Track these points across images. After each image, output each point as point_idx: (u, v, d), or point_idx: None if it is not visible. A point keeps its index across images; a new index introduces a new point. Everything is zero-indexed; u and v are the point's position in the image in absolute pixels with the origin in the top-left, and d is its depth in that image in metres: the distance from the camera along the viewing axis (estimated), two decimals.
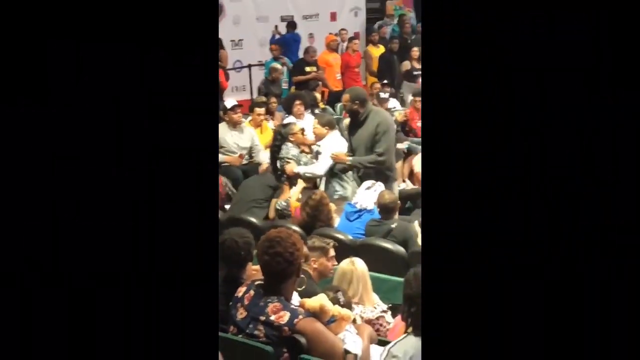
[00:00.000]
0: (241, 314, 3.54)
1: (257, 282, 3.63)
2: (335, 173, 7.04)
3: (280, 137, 7.29)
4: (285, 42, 13.07)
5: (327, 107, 10.71)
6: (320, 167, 7.09)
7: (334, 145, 7.09)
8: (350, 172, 7.05)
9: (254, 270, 4.09)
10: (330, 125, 7.28)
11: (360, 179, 6.88)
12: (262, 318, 3.45)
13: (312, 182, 7.06)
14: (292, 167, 7.07)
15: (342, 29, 13.55)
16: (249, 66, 13.26)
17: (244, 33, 14.19)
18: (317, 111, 9.40)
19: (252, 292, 3.56)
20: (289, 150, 7.24)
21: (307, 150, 7.35)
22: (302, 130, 7.49)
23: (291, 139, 7.24)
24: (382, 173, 6.84)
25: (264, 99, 8.95)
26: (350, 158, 6.96)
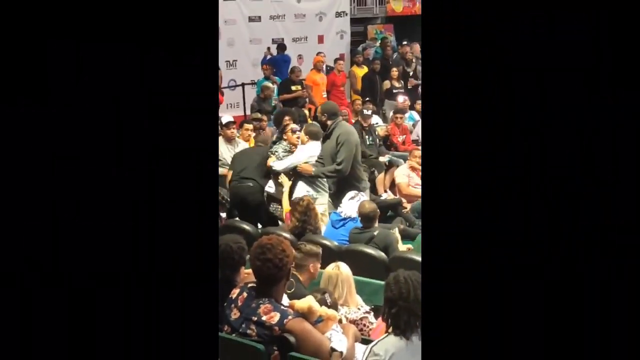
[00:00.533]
0: (235, 314, 3.54)
1: (249, 285, 3.64)
2: (311, 180, 7.11)
3: (279, 136, 7.56)
4: (276, 63, 13.09)
5: (315, 122, 10.71)
6: (281, 164, 7.28)
7: (308, 152, 7.20)
8: (324, 180, 7.12)
9: (246, 274, 4.09)
10: (312, 135, 7.35)
11: (336, 187, 6.99)
12: (254, 318, 3.45)
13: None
14: (270, 160, 7.32)
15: (320, 52, 13.54)
16: (243, 85, 13.27)
17: (237, 54, 14.22)
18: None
19: (245, 294, 3.57)
20: (280, 146, 7.49)
21: (294, 149, 7.52)
22: (292, 129, 7.76)
23: (284, 138, 7.46)
24: (350, 183, 6.88)
25: (259, 115, 8.93)
26: (314, 169, 7.03)
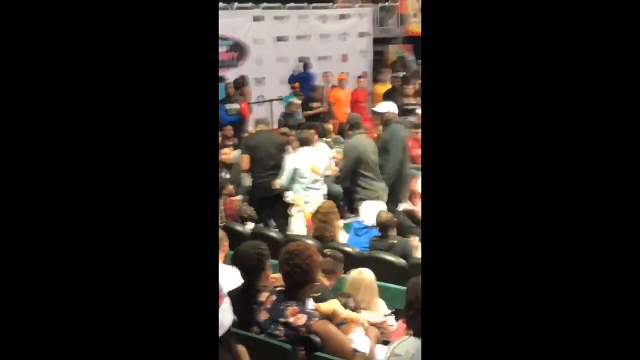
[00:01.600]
0: (264, 316, 3.56)
1: (278, 289, 3.66)
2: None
3: None
4: (300, 80, 13.13)
5: (338, 136, 10.73)
6: (282, 180, 7.32)
7: (295, 160, 7.30)
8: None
9: (274, 279, 4.11)
10: (302, 141, 7.47)
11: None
12: (282, 320, 3.47)
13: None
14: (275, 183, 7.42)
15: (327, 72, 13.57)
16: (270, 101, 13.33)
17: (266, 72, 14.28)
18: (328, 139, 9.42)
19: (273, 297, 3.59)
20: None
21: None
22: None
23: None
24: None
25: (287, 130, 8.97)
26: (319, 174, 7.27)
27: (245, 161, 7.72)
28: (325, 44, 15.19)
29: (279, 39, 14.53)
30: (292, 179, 7.22)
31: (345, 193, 7.36)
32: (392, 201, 7.28)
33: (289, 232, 6.89)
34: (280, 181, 7.36)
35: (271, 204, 7.61)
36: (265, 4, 15.22)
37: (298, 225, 7.05)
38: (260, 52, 14.32)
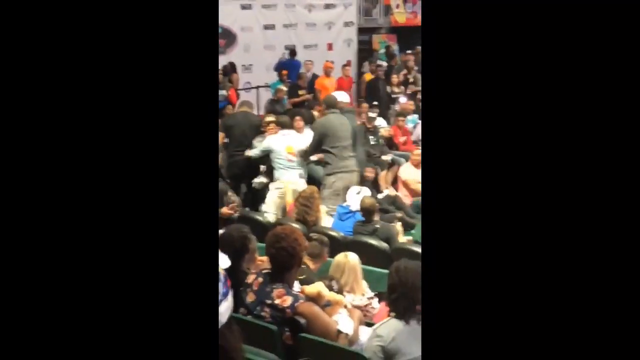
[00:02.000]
0: (250, 297, 3.57)
1: (264, 271, 3.66)
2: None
3: None
4: (286, 67, 13.09)
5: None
6: (254, 151, 7.70)
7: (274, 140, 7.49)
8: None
9: (260, 261, 4.12)
10: (281, 124, 7.71)
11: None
12: (268, 301, 3.48)
13: None
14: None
15: (307, 61, 13.51)
16: (257, 87, 13.28)
17: (253, 59, 14.23)
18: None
19: (260, 280, 3.59)
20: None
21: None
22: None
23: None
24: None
25: (273, 117, 8.98)
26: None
27: (220, 138, 7.86)
28: (311, 33, 15.16)
29: (267, 27, 14.48)
30: (267, 157, 7.51)
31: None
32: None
33: (263, 208, 7.13)
34: (251, 152, 7.70)
35: (245, 180, 7.88)
36: None
37: (269, 200, 7.25)
38: (248, 40, 14.27)
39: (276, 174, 7.37)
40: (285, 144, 7.38)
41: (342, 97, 8.51)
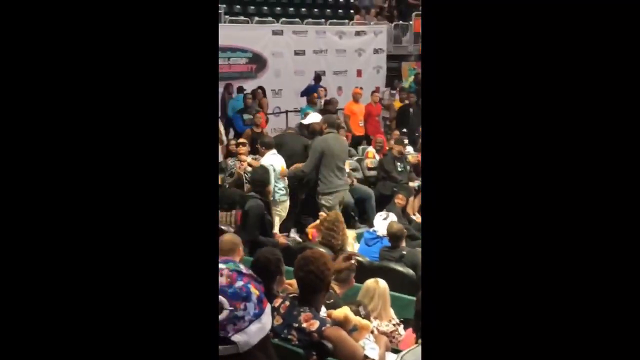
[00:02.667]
0: (277, 320, 3.56)
1: (291, 295, 3.66)
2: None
3: None
4: (312, 92, 13.17)
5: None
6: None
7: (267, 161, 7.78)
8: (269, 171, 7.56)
9: (288, 284, 4.12)
10: (267, 145, 8.03)
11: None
12: (296, 325, 3.47)
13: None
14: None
15: (321, 87, 13.58)
16: (286, 112, 13.38)
17: (283, 84, 14.35)
18: None
19: (287, 303, 3.59)
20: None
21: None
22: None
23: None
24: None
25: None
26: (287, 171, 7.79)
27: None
28: (341, 59, 15.26)
29: (297, 52, 14.60)
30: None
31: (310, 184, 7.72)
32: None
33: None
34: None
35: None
36: (284, 19, 15.31)
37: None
38: (279, 65, 14.40)
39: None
40: (279, 165, 7.67)
41: (314, 118, 8.93)
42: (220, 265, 1.46)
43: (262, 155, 8.16)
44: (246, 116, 11.51)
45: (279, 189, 7.75)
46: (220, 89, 13.47)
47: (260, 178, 6.70)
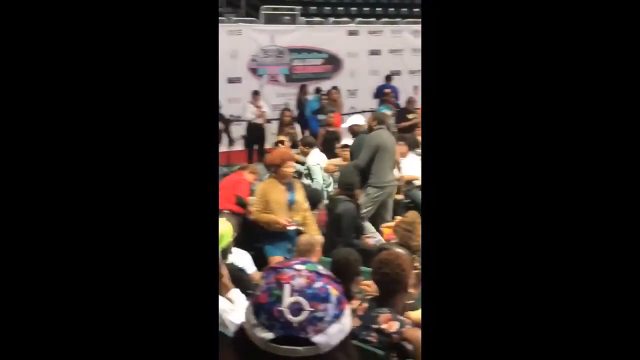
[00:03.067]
0: (356, 322, 3.54)
1: (370, 296, 3.64)
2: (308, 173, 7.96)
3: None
4: (380, 92, 13.11)
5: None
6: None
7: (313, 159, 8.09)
8: (317, 170, 7.97)
9: (366, 286, 4.11)
10: (309, 144, 8.37)
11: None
12: (375, 326, 3.44)
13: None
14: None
15: (387, 88, 13.44)
16: (362, 112, 13.35)
17: (358, 84, 14.34)
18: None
19: (366, 304, 3.56)
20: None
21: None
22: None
23: None
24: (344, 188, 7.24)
25: None
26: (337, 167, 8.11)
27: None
28: (417, 58, 15.13)
29: (373, 52, 14.57)
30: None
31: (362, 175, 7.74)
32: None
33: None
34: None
35: None
36: (360, 19, 15.30)
37: None
38: (354, 65, 14.40)
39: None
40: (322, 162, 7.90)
41: (356, 120, 9.12)
42: (299, 266, 1.44)
43: (304, 154, 8.28)
44: (321, 117, 11.54)
45: (327, 185, 7.89)
46: (296, 90, 13.60)
47: (350, 180, 6.67)
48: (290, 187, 6.16)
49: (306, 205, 6.30)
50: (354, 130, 8.84)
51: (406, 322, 3.42)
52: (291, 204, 6.09)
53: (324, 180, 7.96)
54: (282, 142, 8.90)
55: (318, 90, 12.84)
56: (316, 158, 7.99)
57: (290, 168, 6.25)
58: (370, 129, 7.97)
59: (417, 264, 4.61)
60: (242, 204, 7.20)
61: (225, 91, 12.43)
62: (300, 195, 6.20)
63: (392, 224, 6.65)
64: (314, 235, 5.33)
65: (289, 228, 5.91)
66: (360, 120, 9.12)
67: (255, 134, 12.18)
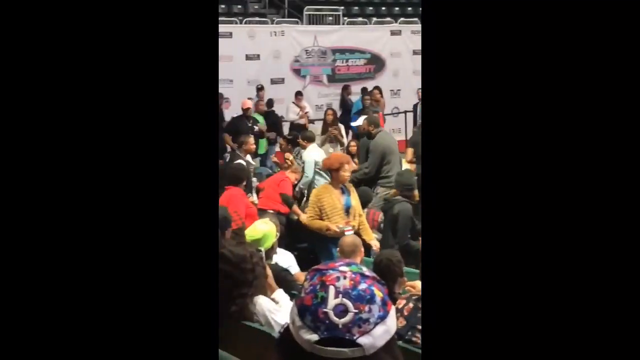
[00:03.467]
0: (400, 322, 3.53)
1: (415, 297, 3.62)
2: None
3: None
4: None
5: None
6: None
7: (312, 154, 8.06)
8: (310, 165, 7.92)
9: (411, 286, 4.09)
10: (308, 139, 8.49)
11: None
12: (419, 327, 3.42)
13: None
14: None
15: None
16: (405, 112, 13.30)
17: (401, 84, 14.28)
18: None
19: (411, 305, 3.55)
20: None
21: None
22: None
23: None
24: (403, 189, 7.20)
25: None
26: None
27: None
28: None
29: (415, 52, 14.49)
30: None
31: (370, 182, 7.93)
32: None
33: None
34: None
35: None
36: (402, 19, 15.23)
37: None
38: (397, 65, 14.35)
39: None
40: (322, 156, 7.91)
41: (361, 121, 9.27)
42: (343, 268, 1.44)
43: (303, 148, 8.41)
44: (363, 117, 11.51)
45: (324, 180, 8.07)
46: (339, 90, 13.60)
47: (408, 181, 6.63)
48: (345, 192, 6.11)
49: (361, 209, 6.28)
50: (361, 132, 8.98)
51: None
52: (347, 209, 6.04)
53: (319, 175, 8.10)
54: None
55: (364, 91, 12.82)
56: (313, 153, 8.13)
57: (348, 172, 6.21)
58: (370, 135, 8.15)
59: None
60: (288, 202, 7.23)
61: (269, 92, 12.51)
62: (355, 200, 6.16)
63: None
64: (357, 236, 5.32)
65: (346, 232, 5.80)
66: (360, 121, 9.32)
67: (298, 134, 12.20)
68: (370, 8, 16.08)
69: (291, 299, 3.44)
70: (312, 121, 12.34)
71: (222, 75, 12.72)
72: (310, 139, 8.56)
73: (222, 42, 12.85)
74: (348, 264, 1.51)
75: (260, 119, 11.41)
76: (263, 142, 11.12)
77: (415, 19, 15.34)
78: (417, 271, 3.68)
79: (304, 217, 6.91)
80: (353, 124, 10.02)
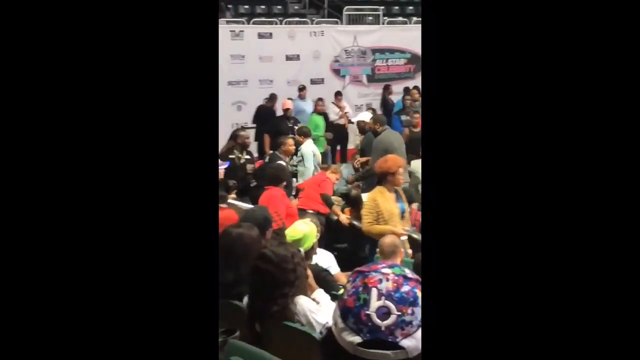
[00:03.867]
0: None
1: None
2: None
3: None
4: None
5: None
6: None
7: (309, 148, 8.70)
8: (310, 156, 8.58)
9: None
10: (304, 134, 8.89)
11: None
12: None
13: None
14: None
15: None
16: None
17: None
18: None
19: None
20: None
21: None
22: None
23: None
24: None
25: None
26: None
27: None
28: None
29: None
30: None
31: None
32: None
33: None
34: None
35: None
36: None
37: None
38: None
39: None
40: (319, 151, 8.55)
41: (363, 116, 9.82)
42: (386, 270, 1.44)
43: (299, 143, 8.70)
44: (404, 117, 11.50)
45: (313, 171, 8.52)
46: (379, 90, 13.57)
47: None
48: (398, 196, 6.03)
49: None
50: (361, 127, 9.35)
51: None
52: (403, 213, 5.95)
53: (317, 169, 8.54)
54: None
55: (407, 90, 12.80)
56: (310, 147, 8.65)
57: (402, 175, 6.05)
58: (376, 132, 8.29)
59: None
60: (328, 202, 7.26)
61: (309, 92, 12.55)
62: (406, 204, 6.10)
63: None
64: (396, 237, 5.29)
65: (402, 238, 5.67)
66: (367, 116, 9.56)
67: (337, 134, 12.23)
68: (411, 7, 16.01)
69: (331, 300, 3.45)
70: (351, 121, 12.36)
71: (262, 75, 12.88)
72: (306, 135, 8.96)
73: (262, 42, 12.99)
74: (391, 266, 1.51)
75: (319, 119, 11.54)
76: (322, 142, 11.23)
77: None
78: None
79: (343, 218, 6.89)
80: (353, 119, 10.57)
